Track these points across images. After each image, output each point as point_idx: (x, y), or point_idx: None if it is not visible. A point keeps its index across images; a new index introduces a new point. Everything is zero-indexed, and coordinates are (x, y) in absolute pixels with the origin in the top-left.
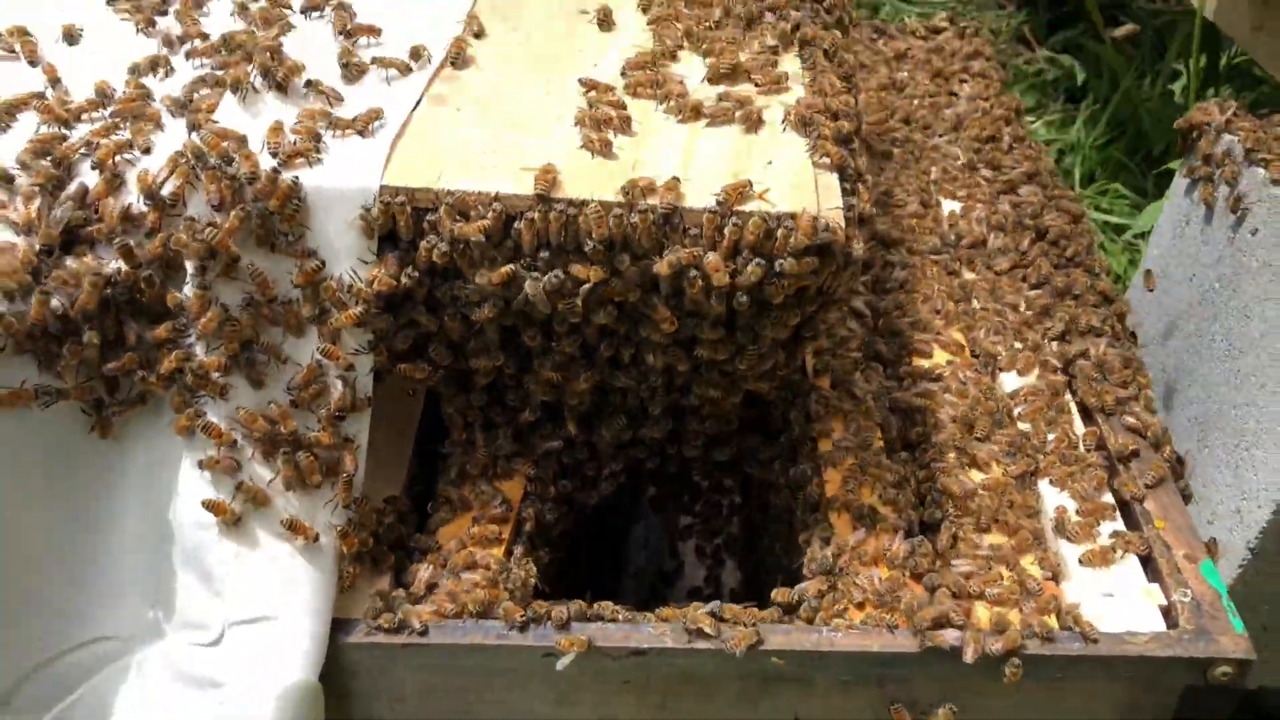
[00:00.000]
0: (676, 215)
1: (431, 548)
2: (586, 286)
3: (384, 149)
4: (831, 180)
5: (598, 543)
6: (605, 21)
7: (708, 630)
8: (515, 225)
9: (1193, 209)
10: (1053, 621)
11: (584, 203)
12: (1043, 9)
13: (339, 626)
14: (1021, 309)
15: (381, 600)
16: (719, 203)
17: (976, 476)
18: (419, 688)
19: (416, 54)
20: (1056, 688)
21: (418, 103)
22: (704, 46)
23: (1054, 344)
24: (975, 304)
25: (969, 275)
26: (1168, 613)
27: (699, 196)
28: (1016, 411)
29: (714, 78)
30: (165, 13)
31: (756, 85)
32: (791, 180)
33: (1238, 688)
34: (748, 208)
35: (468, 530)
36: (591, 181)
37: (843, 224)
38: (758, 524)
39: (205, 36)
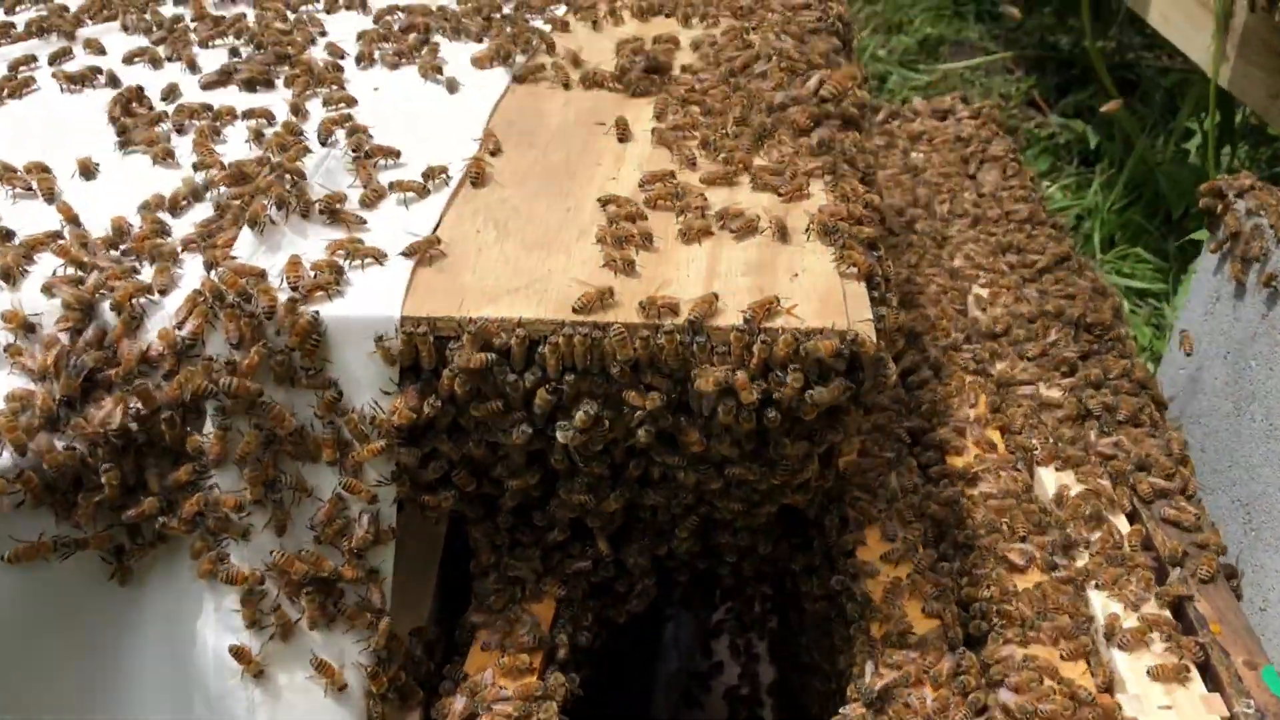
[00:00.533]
0: (703, 334)
1: (461, 678)
2: (642, 413)
3: (404, 277)
4: (860, 290)
5: (628, 647)
6: (623, 134)
7: None
8: (540, 350)
9: (1222, 285)
10: None
11: (608, 324)
12: (1051, 73)
13: None
14: (1055, 400)
15: None
16: (746, 320)
17: (1020, 583)
18: None
19: (432, 174)
20: None
21: (436, 226)
22: (722, 156)
23: (1092, 435)
24: (1007, 398)
25: (999, 366)
26: None
27: (725, 313)
28: (1056, 511)
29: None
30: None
31: (779, 194)
32: (820, 293)
33: None
34: (776, 323)
35: (498, 660)
36: (617, 300)
37: (873, 337)
38: (793, 623)
39: (222, 166)
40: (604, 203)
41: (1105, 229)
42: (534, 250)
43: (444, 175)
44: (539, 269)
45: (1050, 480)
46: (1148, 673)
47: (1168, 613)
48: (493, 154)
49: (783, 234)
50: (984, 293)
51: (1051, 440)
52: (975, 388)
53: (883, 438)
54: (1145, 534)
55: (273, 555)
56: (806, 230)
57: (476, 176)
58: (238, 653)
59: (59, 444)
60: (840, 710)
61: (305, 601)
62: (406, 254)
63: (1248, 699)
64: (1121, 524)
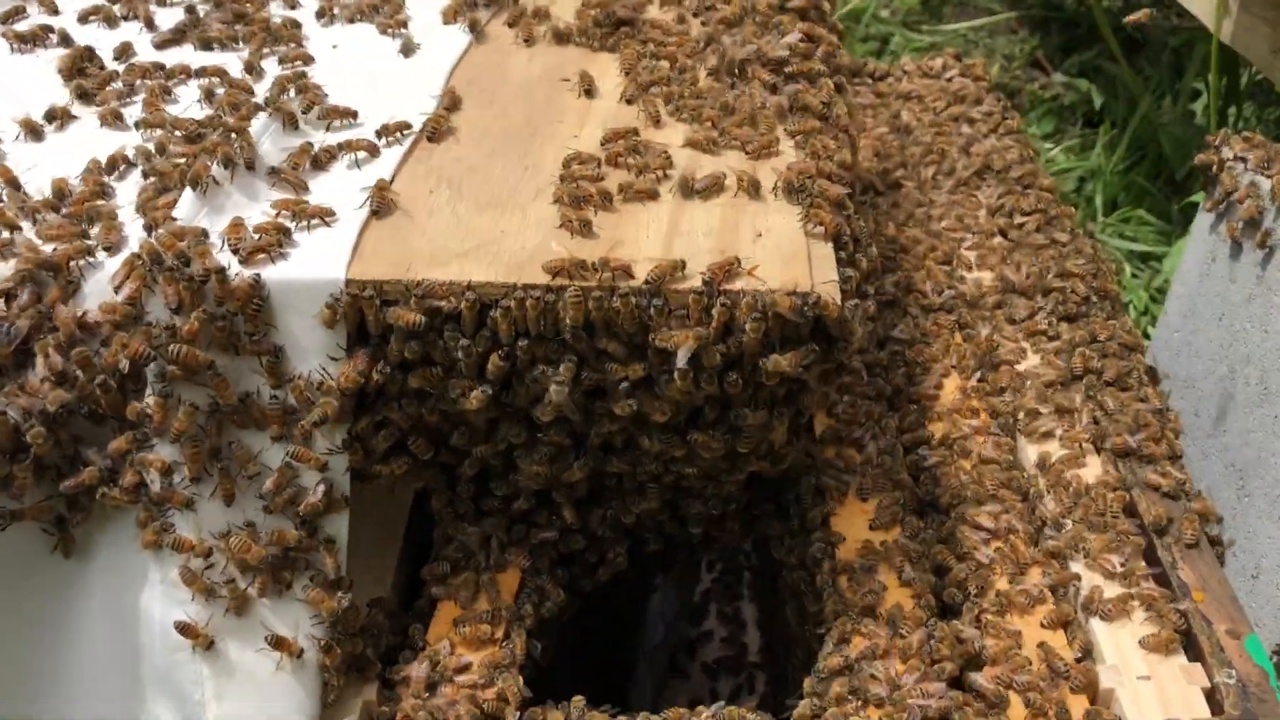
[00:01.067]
0: (661, 297)
1: (421, 647)
2: (625, 384)
3: (350, 239)
4: (826, 250)
5: (612, 617)
6: (589, 90)
7: None
8: (491, 314)
9: (1218, 245)
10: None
11: (562, 287)
12: (1056, 33)
13: None
14: (1040, 364)
15: (369, 711)
16: (705, 282)
17: (998, 551)
18: None
19: (385, 132)
20: None
21: (391, 180)
22: (687, 113)
23: (1077, 398)
24: (991, 362)
25: (983, 330)
26: (1211, 695)
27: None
28: (1040, 479)
29: (699, 145)
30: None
31: (746, 151)
32: (784, 253)
33: None
34: (737, 285)
35: (459, 630)
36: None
37: (838, 298)
38: (776, 591)
39: (169, 126)
40: (566, 162)
41: (1108, 191)
42: (488, 210)
43: (398, 134)
44: (492, 230)
45: (1033, 447)
46: (1140, 643)
47: (1151, 582)
48: (451, 110)
49: (751, 191)
50: (971, 255)
51: (1034, 405)
52: (959, 352)
53: (860, 401)
54: (1129, 500)
55: (231, 543)
56: (773, 188)
57: (433, 133)
58: (184, 628)
59: None
60: (809, 697)
61: (259, 571)
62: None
63: (1229, 669)
64: (1106, 490)
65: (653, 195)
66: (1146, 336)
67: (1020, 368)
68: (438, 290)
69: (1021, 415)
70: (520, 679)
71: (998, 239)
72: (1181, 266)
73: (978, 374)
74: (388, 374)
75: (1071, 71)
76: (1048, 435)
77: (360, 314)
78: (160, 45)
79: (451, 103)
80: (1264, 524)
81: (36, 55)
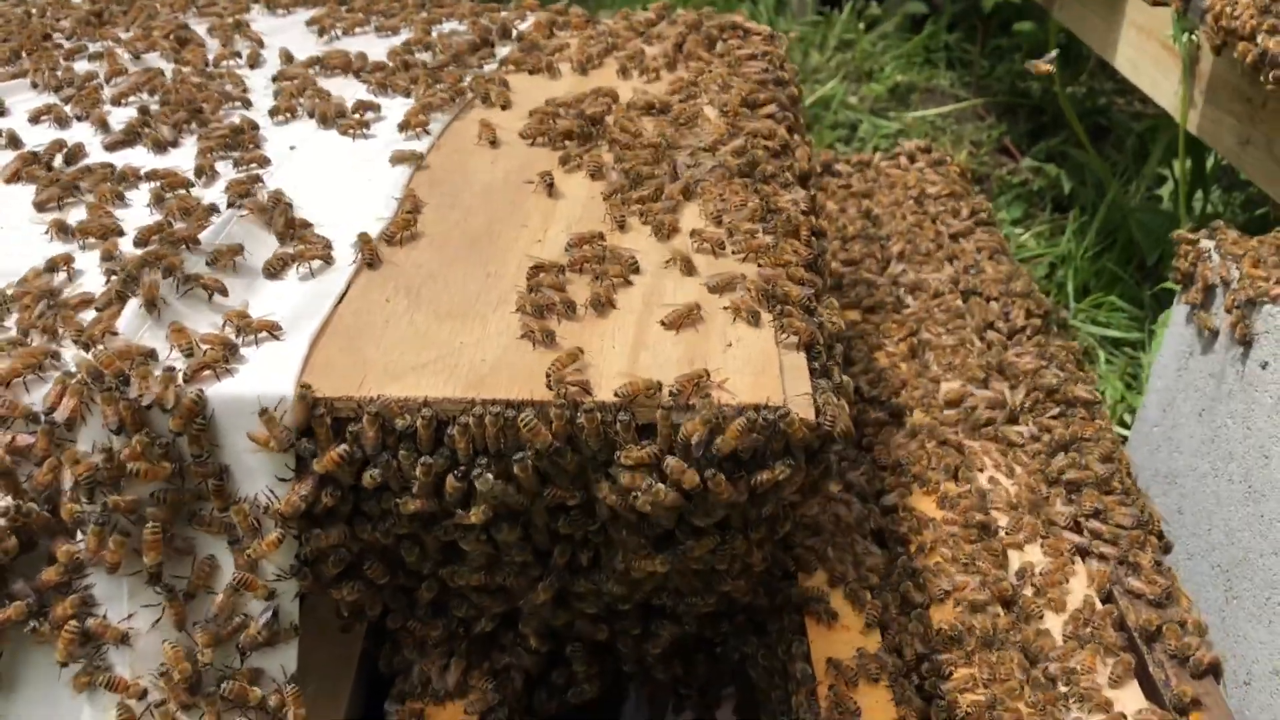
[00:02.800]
0: (628, 413)
1: None
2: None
3: (300, 353)
4: (799, 360)
5: None
6: (551, 189)
7: None
8: (449, 432)
9: (1195, 340)
10: None
11: (521, 403)
12: (1023, 120)
13: None
14: (1020, 474)
15: None
16: (672, 395)
17: (988, 670)
18: None
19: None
20: None
21: (341, 297)
22: (653, 220)
23: (1059, 504)
24: (976, 473)
25: (968, 442)
26: None
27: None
28: (1026, 592)
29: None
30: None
31: (714, 255)
32: (756, 365)
33: None
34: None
35: None
36: (533, 377)
37: (812, 412)
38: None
39: (114, 232)
40: (532, 270)
41: (1079, 277)
42: (446, 320)
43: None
44: (451, 341)
45: (1015, 556)
46: None
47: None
48: (411, 214)
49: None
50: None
51: (1021, 515)
52: (938, 454)
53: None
54: (1118, 614)
55: (164, 644)
56: (738, 306)
57: (393, 237)
58: None
59: None
60: None
61: (206, 707)
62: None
63: None
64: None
65: (610, 304)
66: (1125, 425)
67: (1002, 471)
68: (393, 408)
69: (1004, 528)
70: None
71: (976, 343)
72: (1159, 360)
73: (962, 484)
74: (338, 497)
75: (1039, 157)
76: (1030, 541)
77: (309, 432)
78: (110, 147)
79: (413, 206)
80: (1254, 627)
81: None
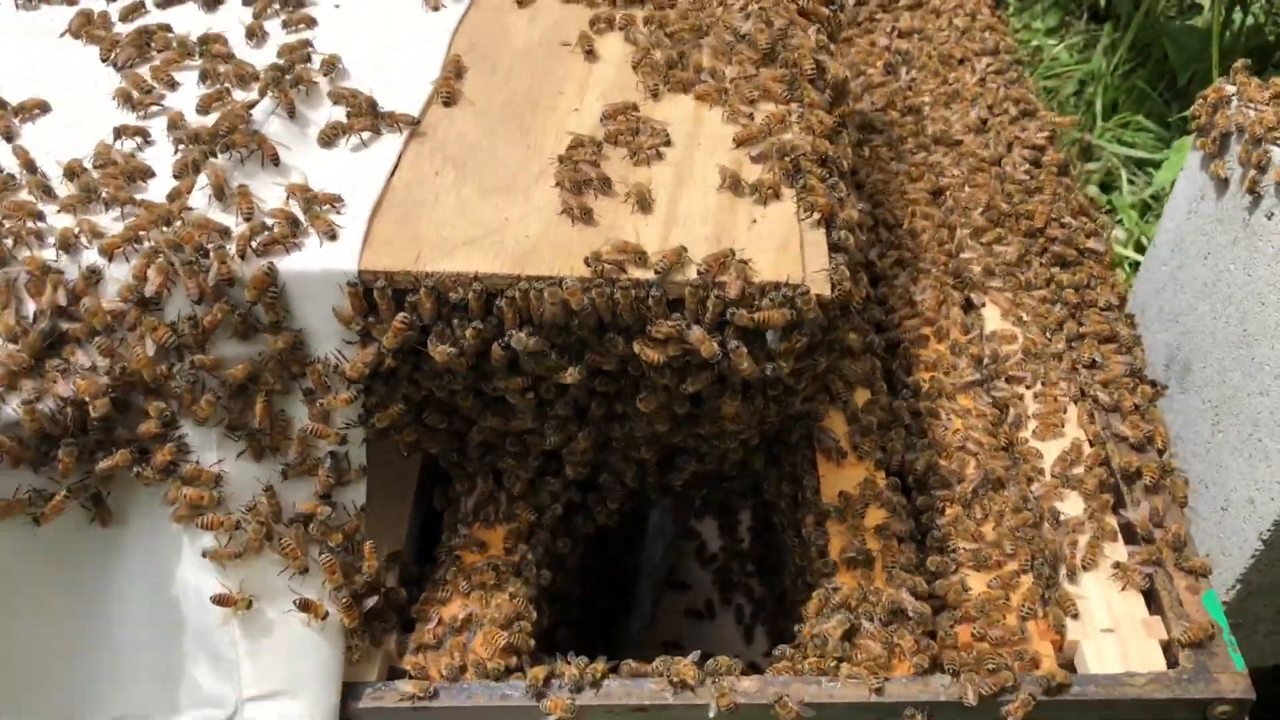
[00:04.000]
0: (658, 288)
1: (437, 601)
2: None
3: (361, 228)
4: (819, 237)
5: (608, 540)
6: (589, 53)
7: (690, 683)
8: (497, 303)
9: (1208, 184)
10: (1052, 664)
11: (563, 279)
12: None
13: (349, 691)
14: (1025, 320)
15: (389, 663)
16: (700, 273)
17: (981, 510)
18: None
19: (389, 119)
20: None
21: (394, 168)
22: (687, 86)
23: (1059, 345)
24: (983, 317)
25: (980, 297)
26: (1168, 648)
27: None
28: (1022, 432)
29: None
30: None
31: (743, 126)
32: (778, 241)
33: None
34: (728, 278)
35: (472, 581)
36: (573, 251)
37: (827, 290)
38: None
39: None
40: (570, 146)
41: (1108, 94)
42: (491, 195)
43: (402, 119)
44: (496, 217)
45: (1015, 402)
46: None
47: (1119, 538)
48: (456, 79)
49: (736, 185)
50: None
51: (1022, 361)
52: (949, 300)
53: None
54: (1104, 456)
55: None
56: (768, 170)
57: (448, 96)
58: (220, 600)
59: (25, 405)
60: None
61: (288, 534)
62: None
63: (1185, 622)
64: (1084, 442)
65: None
66: (1140, 250)
67: (1007, 319)
68: (446, 282)
69: (1002, 367)
70: (531, 628)
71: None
72: (1170, 201)
73: (968, 332)
74: (399, 360)
75: None
76: (1031, 384)
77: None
78: (163, 4)
79: (456, 70)
80: (1234, 460)
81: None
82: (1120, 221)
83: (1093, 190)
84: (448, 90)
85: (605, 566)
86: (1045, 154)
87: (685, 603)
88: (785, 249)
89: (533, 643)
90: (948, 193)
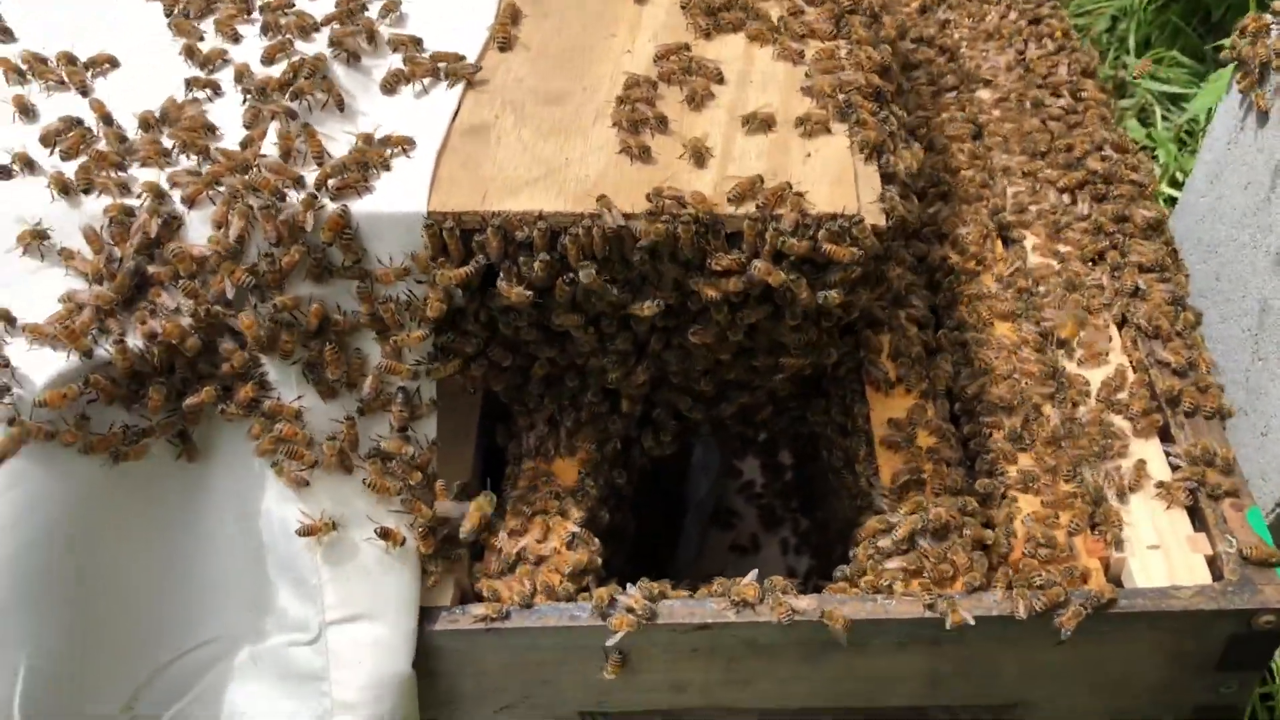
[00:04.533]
0: (719, 223)
1: (505, 529)
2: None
3: (428, 170)
4: (871, 170)
5: (658, 482)
6: None
7: (751, 601)
8: (561, 240)
9: (1248, 115)
10: (1100, 578)
11: (627, 216)
12: None
13: (426, 615)
14: (1066, 251)
15: (461, 589)
16: (758, 207)
17: (1029, 440)
18: (501, 665)
19: (445, 59)
20: (1106, 641)
21: (455, 113)
22: (737, 26)
23: (1104, 278)
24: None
25: (1021, 231)
26: (1213, 562)
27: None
28: (1067, 361)
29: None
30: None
31: (793, 63)
32: (833, 174)
33: (1277, 635)
34: (786, 210)
35: (537, 508)
36: (634, 188)
37: (882, 220)
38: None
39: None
40: (626, 86)
41: (1140, 30)
42: (551, 137)
43: (460, 63)
44: (557, 157)
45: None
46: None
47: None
48: (512, 22)
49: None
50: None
51: (1064, 292)
52: (990, 234)
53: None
54: (1148, 380)
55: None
56: (817, 106)
57: (501, 46)
58: (306, 530)
59: (116, 345)
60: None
61: (368, 467)
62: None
63: (1230, 537)
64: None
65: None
66: (1176, 185)
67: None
68: (512, 221)
69: (1048, 300)
70: (595, 552)
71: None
72: (1209, 134)
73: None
74: (470, 301)
75: None
76: (1074, 312)
77: (442, 244)
78: None
79: (512, 14)
80: (1274, 386)
81: None
82: (1157, 156)
83: (1130, 125)
84: (504, 35)
85: (656, 501)
86: (1085, 89)
87: (731, 539)
88: (840, 181)
89: (600, 562)
90: (987, 128)
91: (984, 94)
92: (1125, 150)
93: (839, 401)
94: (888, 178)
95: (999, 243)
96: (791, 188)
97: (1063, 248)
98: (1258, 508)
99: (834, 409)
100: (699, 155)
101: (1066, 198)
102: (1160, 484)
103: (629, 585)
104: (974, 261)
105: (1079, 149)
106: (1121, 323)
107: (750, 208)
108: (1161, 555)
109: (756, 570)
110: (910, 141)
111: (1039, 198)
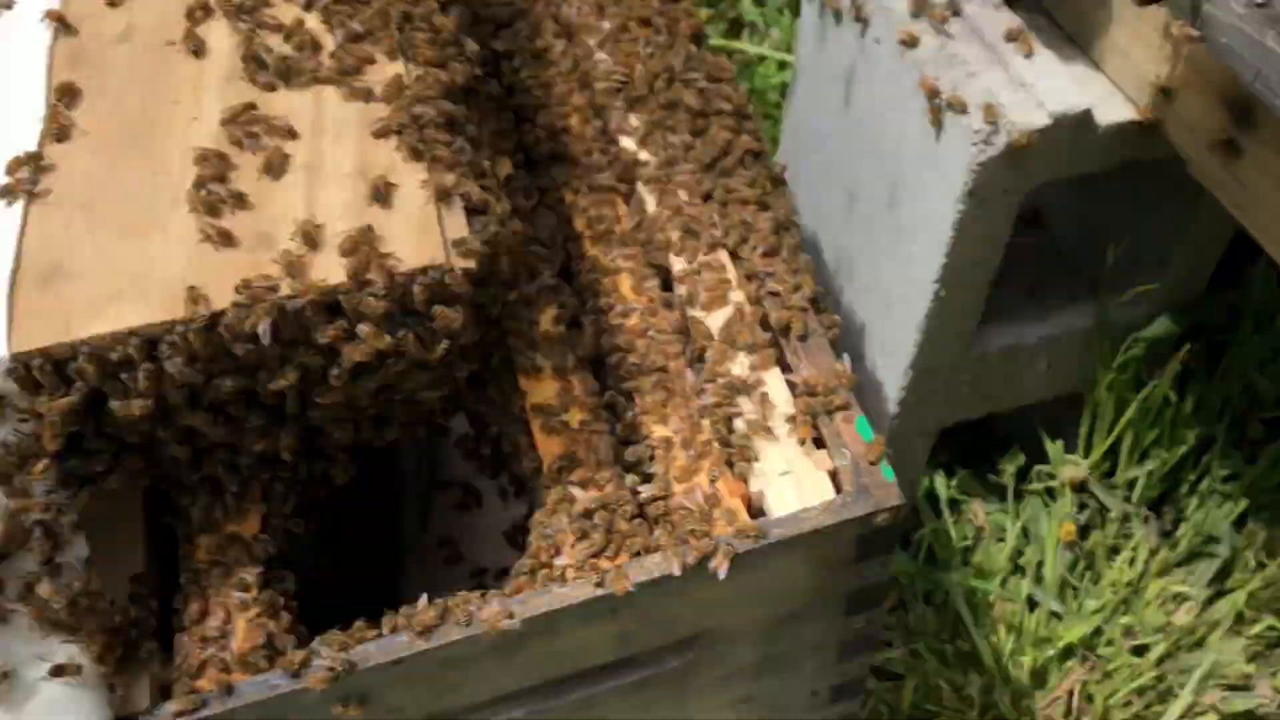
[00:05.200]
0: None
1: (189, 611)
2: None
3: (3, 307)
4: (455, 211)
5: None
6: (196, 51)
7: (431, 625)
8: (159, 348)
9: (828, 18)
10: (744, 515)
11: (219, 314)
12: None
13: None
14: (682, 196)
15: (158, 684)
16: (349, 277)
17: (665, 396)
18: None
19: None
20: (759, 567)
21: (21, 232)
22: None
23: (715, 216)
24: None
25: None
26: (834, 476)
27: (331, 265)
28: (693, 309)
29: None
30: None
31: (364, 101)
32: (417, 222)
33: (896, 525)
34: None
35: (217, 585)
36: (224, 277)
37: (473, 263)
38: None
39: None
40: (195, 162)
41: None
42: (129, 237)
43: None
44: (139, 260)
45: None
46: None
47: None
48: (68, 107)
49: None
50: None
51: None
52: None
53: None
54: (763, 313)
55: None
56: (398, 148)
57: (60, 132)
58: None
59: None
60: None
61: (23, 608)
62: None
63: (844, 450)
64: (744, 304)
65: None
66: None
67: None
68: (103, 343)
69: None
70: (286, 612)
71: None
72: (801, 36)
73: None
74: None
75: None
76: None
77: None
78: None
79: (66, 94)
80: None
81: None
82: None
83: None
84: (58, 125)
85: (364, 498)
86: (680, 22)
87: (451, 499)
88: (425, 229)
89: (289, 621)
90: (594, 83)
91: (594, 48)
92: (720, 79)
93: (494, 395)
94: (476, 210)
95: (620, 200)
96: (375, 249)
97: (680, 192)
98: (863, 416)
99: (487, 402)
100: (309, 237)
101: (675, 138)
102: (786, 416)
103: (317, 640)
104: (598, 225)
105: (677, 90)
106: (735, 258)
107: (341, 277)
108: (793, 480)
109: (425, 595)
110: (492, 152)
111: (648, 141)
